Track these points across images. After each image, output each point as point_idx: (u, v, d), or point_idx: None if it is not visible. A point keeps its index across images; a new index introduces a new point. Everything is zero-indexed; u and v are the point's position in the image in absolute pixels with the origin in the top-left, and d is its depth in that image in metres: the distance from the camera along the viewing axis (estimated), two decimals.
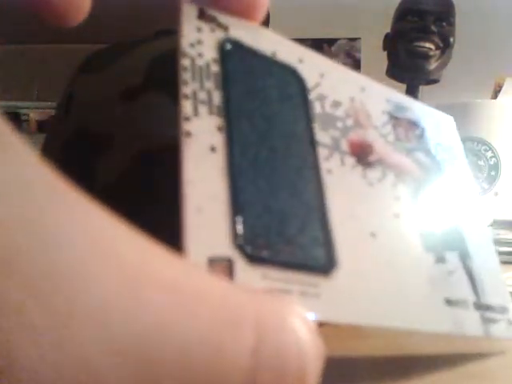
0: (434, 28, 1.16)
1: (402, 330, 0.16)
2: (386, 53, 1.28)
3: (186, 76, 0.14)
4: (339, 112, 0.19)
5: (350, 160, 0.18)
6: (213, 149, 0.14)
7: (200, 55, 0.15)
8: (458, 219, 0.21)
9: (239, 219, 0.14)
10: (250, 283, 0.13)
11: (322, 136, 0.18)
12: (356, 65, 2.93)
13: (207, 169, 0.14)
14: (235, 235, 0.13)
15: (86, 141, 0.31)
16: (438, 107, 0.26)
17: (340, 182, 0.17)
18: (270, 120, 0.16)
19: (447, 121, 0.24)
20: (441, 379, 0.19)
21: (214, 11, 0.16)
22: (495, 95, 0.95)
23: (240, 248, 0.13)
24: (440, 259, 0.18)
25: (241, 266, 0.13)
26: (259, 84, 0.17)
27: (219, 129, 0.15)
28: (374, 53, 1.54)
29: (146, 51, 0.32)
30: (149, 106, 0.30)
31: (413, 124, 0.21)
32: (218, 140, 0.14)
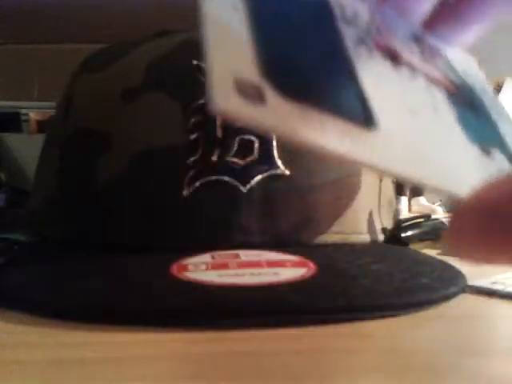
0: None
1: (439, 188, 0.14)
2: None
3: None
4: (360, 21, 0.18)
5: (379, 53, 0.17)
6: (236, 8, 0.13)
7: None
8: (494, 124, 0.19)
9: (267, 52, 0.12)
10: (283, 113, 0.12)
11: (346, 29, 0.16)
12: None
13: (231, 16, 0.13)
14: (264, 66, 0.12)
15: (86, 141, 0.31)
16: None
17: (370, 65, 0.16)
18: (290, 12, 0.15)
19: (471, 58, 0.23)
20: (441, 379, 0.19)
21: None
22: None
23: (271, 78, 0.12)
24: (486, 152, 0.17)
25: (272, 94, 0.12)
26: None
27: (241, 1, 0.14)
28: None
29: (146, 51, 0.32)
30: (148, 106, 0.30)
31: (438, 51, 0.20)
32: (241, 4, 0.13)
